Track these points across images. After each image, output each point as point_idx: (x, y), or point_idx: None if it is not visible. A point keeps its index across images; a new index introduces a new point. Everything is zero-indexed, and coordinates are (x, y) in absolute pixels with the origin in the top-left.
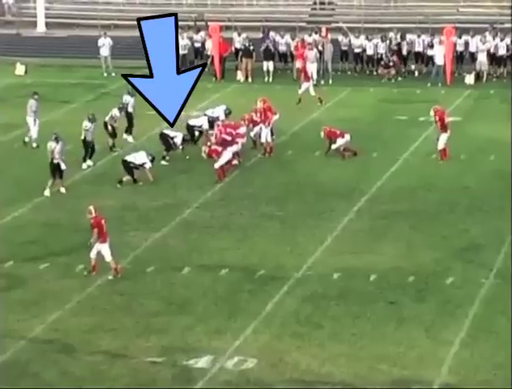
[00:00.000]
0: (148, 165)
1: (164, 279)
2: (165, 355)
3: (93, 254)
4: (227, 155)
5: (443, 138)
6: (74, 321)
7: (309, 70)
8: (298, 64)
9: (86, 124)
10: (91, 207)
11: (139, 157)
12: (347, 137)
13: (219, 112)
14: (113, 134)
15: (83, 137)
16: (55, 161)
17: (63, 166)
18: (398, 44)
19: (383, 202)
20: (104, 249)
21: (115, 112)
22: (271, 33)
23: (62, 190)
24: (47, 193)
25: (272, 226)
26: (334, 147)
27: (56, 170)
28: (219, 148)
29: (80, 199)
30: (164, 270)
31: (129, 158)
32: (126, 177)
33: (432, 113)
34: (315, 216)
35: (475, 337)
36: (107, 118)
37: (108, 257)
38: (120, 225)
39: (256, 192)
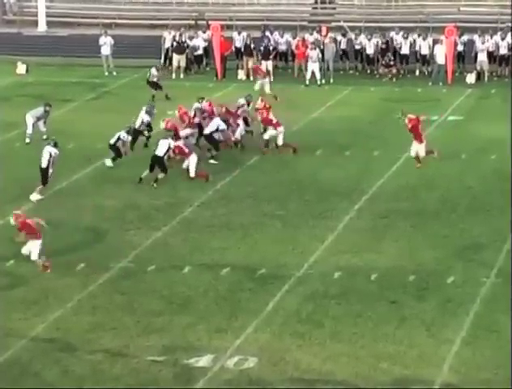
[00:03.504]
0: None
1: (164, 278)
2: (166, 354)
3: (33, 255)
4: (194, 158)
5: (416, 146)
6: (75, 320)
7: (310, 69)
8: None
9: (123, 135)
10: (15, 212)
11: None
12: (280, 129)
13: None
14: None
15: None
16: None
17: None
18: (387, 43)
19: (384, 201)
20: (34, 246)
21: (123, 135)
22: (267, 32)
23: None
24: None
25: (273, 225)
26: (265, 136)
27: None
28: (186, 149)
29: (82, 198)
30: (165, 269)
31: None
32: (161, 175)
33: (406, 121)
34: (316, 215)
35: (476, 336)
36: (112, 141)
37: (34, 255)
38: (121, 224)
39: (257, 191)
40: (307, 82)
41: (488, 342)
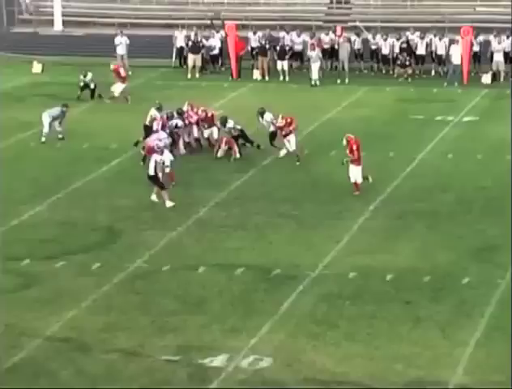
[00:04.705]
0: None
1: (179, 279)
2: (180, 354)
3: None
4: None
5: (357, 171)
6: (90, 319)
7: (314, 73)
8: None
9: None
10: None
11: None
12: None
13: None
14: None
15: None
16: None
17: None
18: (407, 43)
19: (399, 201)
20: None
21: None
22: (281, 33)
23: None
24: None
25: (288, 225)
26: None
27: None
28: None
29: (96, 198)
30: (180, 269)
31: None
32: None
33: (344, 142)
34: (331, 216)
35: (490, 338)
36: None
37: None
38: (136, 224)
39: (272, 191)
40: (317, 82)
41: (502, 344)
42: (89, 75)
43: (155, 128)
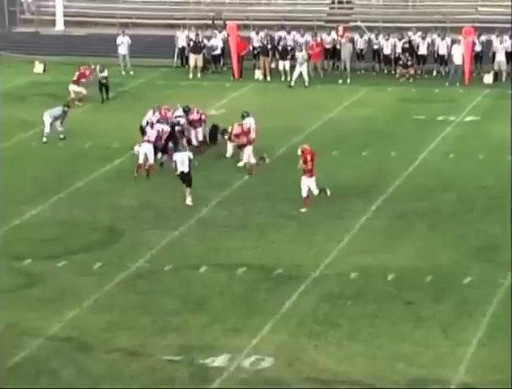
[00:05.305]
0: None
1: (181, 278)
2: (182, 354)
3: None
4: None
5: (310, 182)
6: (92, 319)
7: (297, 70)
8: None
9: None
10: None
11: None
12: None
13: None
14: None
15: None
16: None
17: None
18: (409, 43)
19: (401, 201)
20: None
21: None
22: (282, 33)
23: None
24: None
25: (289, 225)
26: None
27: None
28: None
29: (98, 197)
30: (182, 268)
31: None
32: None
33: (299, 152)
34: (332, 215)
35: (492, 337)
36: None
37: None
38: (138, 224)
39: (273, 191)
40: (292, 83)
41: (504, 343)
42: (105, 72)
43: (155, 120)
